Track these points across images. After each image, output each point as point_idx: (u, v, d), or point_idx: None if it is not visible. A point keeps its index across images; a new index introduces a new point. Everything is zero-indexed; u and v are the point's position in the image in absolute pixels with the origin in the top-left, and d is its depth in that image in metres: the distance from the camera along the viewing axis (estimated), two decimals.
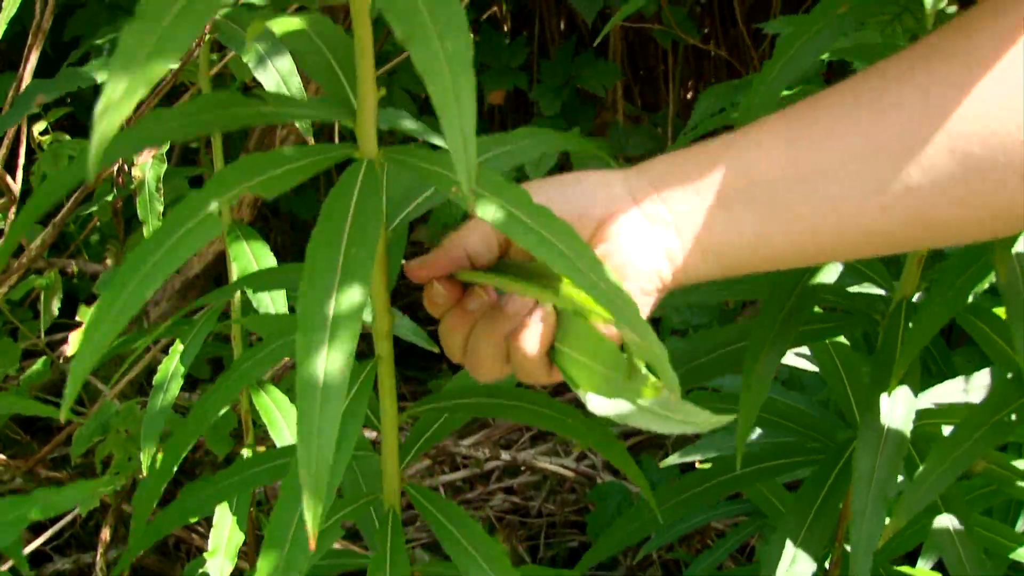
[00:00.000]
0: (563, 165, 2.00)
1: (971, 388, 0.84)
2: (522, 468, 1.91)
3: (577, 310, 0.56)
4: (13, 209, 1.30)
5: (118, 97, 0.40)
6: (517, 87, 2.07)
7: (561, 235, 0.50)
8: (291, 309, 1.11)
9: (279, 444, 1.18)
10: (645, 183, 0.58)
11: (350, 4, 0.54)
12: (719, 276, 0.58)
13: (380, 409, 0.66)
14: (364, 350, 0.56)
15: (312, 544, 0.47)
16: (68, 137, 1.57)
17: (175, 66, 0.43)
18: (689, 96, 2.26)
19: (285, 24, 0.65)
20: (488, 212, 0.51)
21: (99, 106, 0.40)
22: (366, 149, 0.57)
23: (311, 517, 0.46)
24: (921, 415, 0.84)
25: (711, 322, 1.77)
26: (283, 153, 0.56)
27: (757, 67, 2.03)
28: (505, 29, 2.26)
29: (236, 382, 0.73)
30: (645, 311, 0.58)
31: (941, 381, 0.92)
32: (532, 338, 0.58)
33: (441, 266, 0.60)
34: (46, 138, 1.52)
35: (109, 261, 2.06)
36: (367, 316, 0.63)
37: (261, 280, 0.85)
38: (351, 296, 0.49)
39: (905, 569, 0.90)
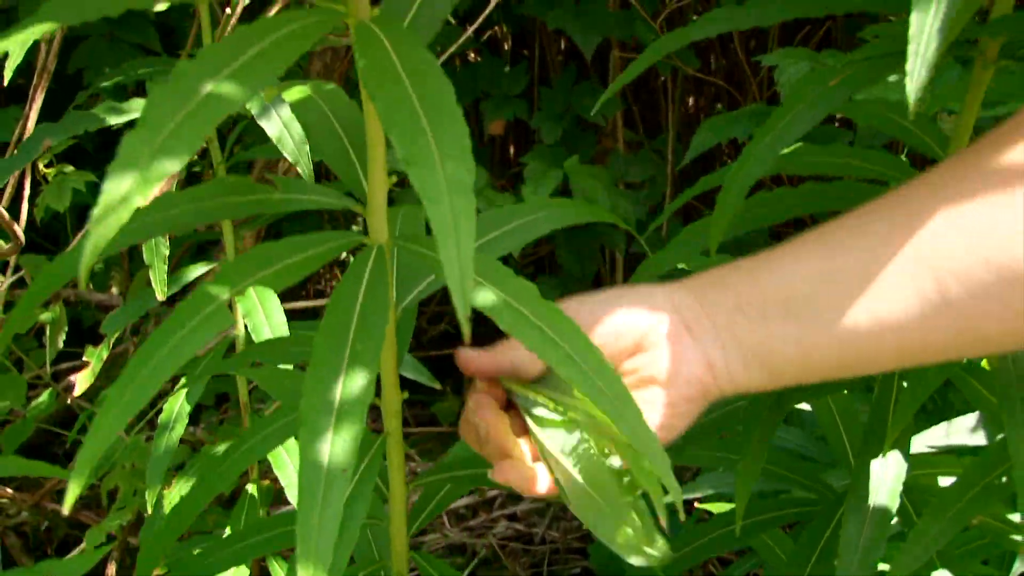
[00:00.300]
0: (563, 190, 2.02)
1: (966, 429, 0.85)
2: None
3: (598, 439, 0.58)
4: (14, 258, 1.31)
5: (117, 200, 0.41)
6: (517, 115, 2.09)
7: (566, 332, 0.51)
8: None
9: (283, 482, 1.19)
10: (687, 296, 0.59)
11: (362, 99, 0.55)
12: (769, 386, 0.59)
13: (389, 481, 0.67)
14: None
15: None
16: (72, 168, 1.58)
17: (178, 168, 0.43)
18: (690, 120, 2.27)
19: (297, 93, 0.67)
20: (488, 302, 0.52)
21: (97, 208, 0.41)
22: (376, 236, 0.58)
23: None
24: (917, 464, 0.86)
25: None
26: (294, 242, 0.57)
27: (756, 95, 2.05)
28: (506, 47, 2.27)
29: (244, 456, 0.74)
30: (687, 419, 0.59)
31: (938, 421, 0.93)
32: (542, 482, 0.59)
33: (486, 370, 0.61)
34: (51, 170, 1.53)
35: (114, 290, 2.08)
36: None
37: (270, 351, 0.86)
38: (356, 386, 0.50)
39: None
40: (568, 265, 2.10)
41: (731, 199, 0.68)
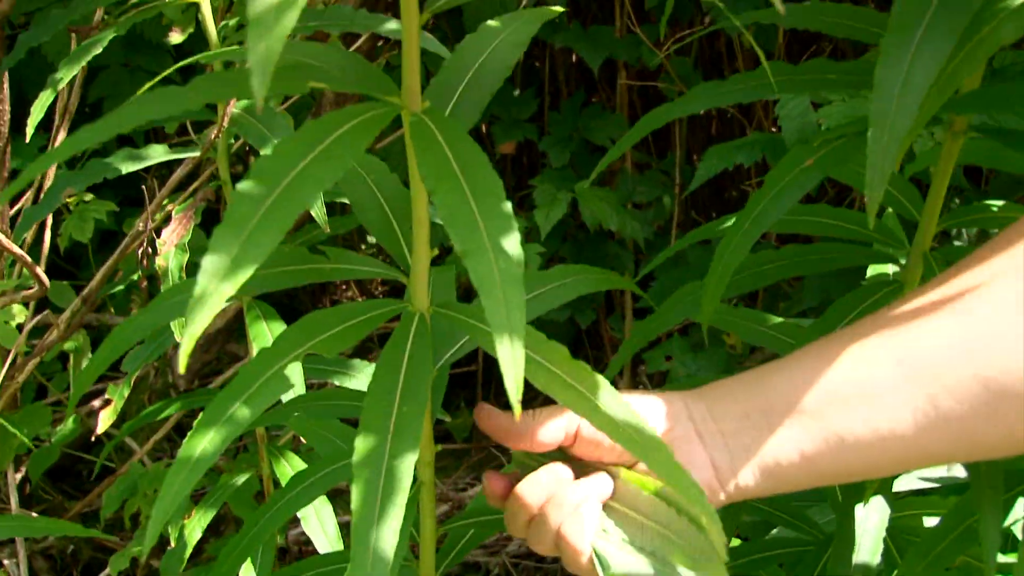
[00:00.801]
0: (572, 213, 2.06)
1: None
2: None
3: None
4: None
5: (211, 292, 0.46)
6: (527, 137, 2.12)
7: (596, 388, 0.55)
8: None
9: (310, 534, 1.24)
10: (700, 404, 0.62)
11: (410, 180, 0.59)
12: (772, 490, 0.61)
13: (421, 526, 0.71)
14: None
15: None
16: (92, 196, 1.63)
17: (261, 261, 0.48)
18: (698, 141, 2.30)
19: (349, 183, 0.70)
20: (534, 376, 0.56)
21: (193, 299, 0.45)
22: (418, 303, 0.63)
23: None
24: (902, 506, 0.89)
25: (718, 373, 1.82)
26: (341, 311, 0.62)
27: (763, 118, 2.08)
28: (516, 72, 2.31)
29: (280, 513, 0.78)
30: None
31: None
32: (578, 530, 0.61)
33: (504, 434, 0.64)
34: (72, 199, 1.58)
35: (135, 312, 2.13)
36: None
37: (311, 405, 0.90)
38: (404, 455, 0.54)
39: None
40: None
41: (717, 282, 0.72)
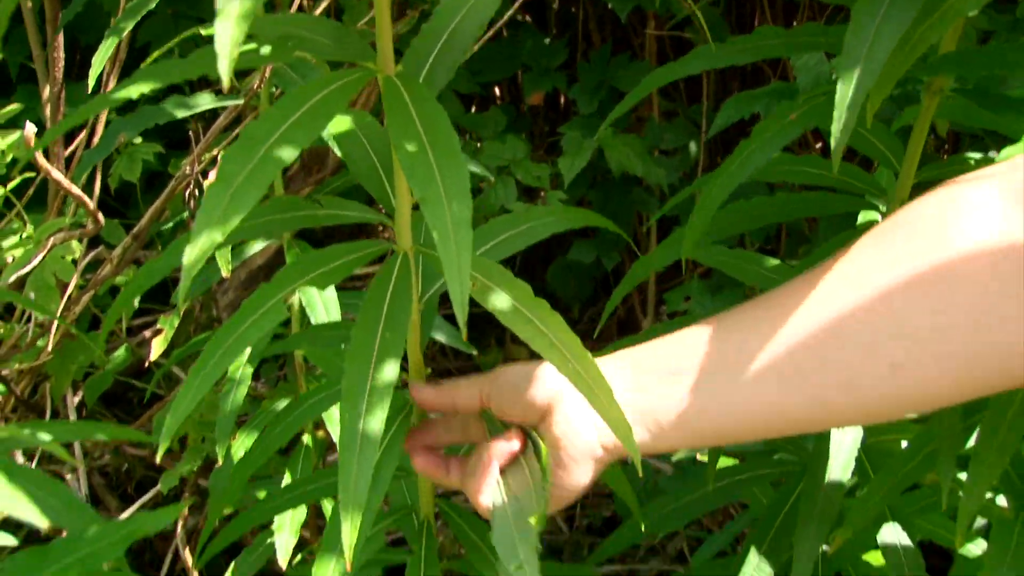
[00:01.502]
0: (599, 160, 2.12)
1: None
2: None
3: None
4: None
5: (205, 238, 0.55)
6: (556, 87, 2.19)
7: (552, 325, 0.64)
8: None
9: (333, 435, 1.34)
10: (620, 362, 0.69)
11: (390, 134, 0.68)
12: (654, 448, 0.67)
13: None
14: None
15: (348, 566, 0.62)
16: (141, 140, 1.73)
17: (247, 211, 0.57)
18: (727, 90, 2.35)
19: (340, 124, 0.79)
20: (497, 303, 0.65)
21: (190, 244, 0.55)
22: (402, 243, 0.71)
23: (348, 543, 0.61)
24: (877, 431, 0.98)
25: None
26: (336, 250, 0.71)
27: (788, 69, 2.12)
28: (549, 18, 2.37)
29: (298, 419, 0.88)
30: (583, 477, 0.69)
31: None
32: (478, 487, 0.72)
33: (432, 404, 0.75)
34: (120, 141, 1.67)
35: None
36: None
37: (321, 334, 1.00)
38: (386, 371, 0.64)
39: (868, 557, 1.04)
40: (604, 229, 2.22)
41: (700, 218, 0.80)
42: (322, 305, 1.20)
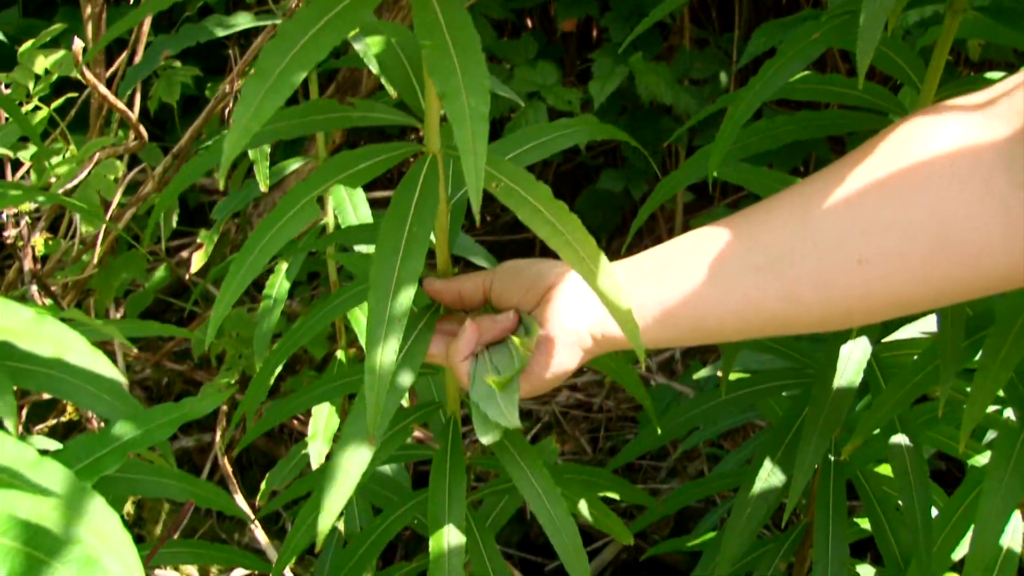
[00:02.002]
0: (630, 88, 2.14)
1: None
2: (585, 368, 2.11)
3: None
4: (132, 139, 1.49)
5: (242, 127, 0.59)
6: (589, 14, 2.20)
7: (572, 228, 0.67)
8: None
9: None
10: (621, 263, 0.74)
11: (416, 32, 0.71)
12: (643, 339, 0.70)
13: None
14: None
15: (371, 439, 0.67)
16: (179, 64, 1.76)
17: (282, 103, 0.62)
18: (760, 18, 2.34)
19: (376, 36, 0.83)
20: (517, 203, 0.69)
21: (229, 132, 0.59)
22: (431, 145, 0.75)
23: (372, 415, 0.65)
24: (892, 347, 1.01)
25: None
26: (367, 150, 0.75)
27: None
28: None
29: (332, 311, 0.92)
30: (570, 362, 0.74)
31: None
32: (456, 349, 0.77)
33: (439, 294, 0.79)
34: (159, 64, 1.71)
35: (215, 173, 2.28)
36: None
37: (353, 234, 1.04)
38: (412, 261, 0.68)
39: (878, 469, 1.08)
40: (633, 159, 2.24)
41: (726, 135, 0.82)
42: (351, 207, 1.24)
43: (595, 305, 0.72)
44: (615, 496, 1.00)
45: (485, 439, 0.77)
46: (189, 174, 0.97)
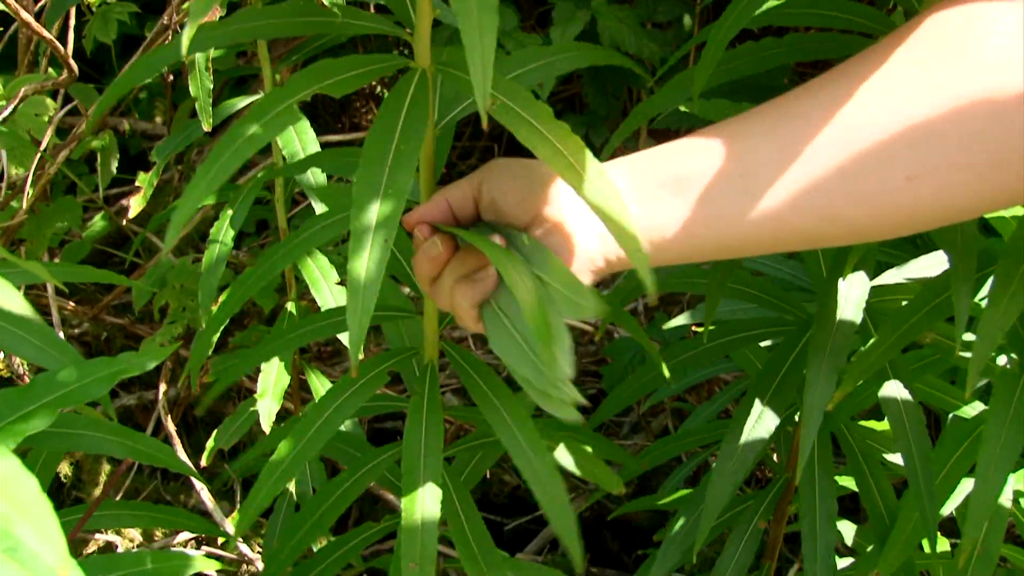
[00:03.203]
0: (590, 31, 2.06)
1: (928, 266, 0.95)
2: None
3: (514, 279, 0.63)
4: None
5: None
6: None
7: (572, 148, 0.60)
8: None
9: (319, 301, 1.31)
10: (624, 167, 0.65)
11: None
12: (658, 258, 0.64)
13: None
14: None
15: (354, 372, 0.59)
16: (115, 0, 1.65)
17: None
18: None
19: None
20: (516, 122, 0.61)
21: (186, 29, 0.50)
22: (420, 60, 0.67)
23: (354, 345, 0.58)
24: (880, 291, 0.95)
25: None
26: (349, 61, 0.67)
27: None
28: None
29: (283, 258, 0.84)
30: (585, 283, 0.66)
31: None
32: (468, 293, 0.67)
33: (429, 215, 0.68)
34: (94, 0, 1.60)
35: (158, 119, 2.18)
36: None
37: (319, 161, 0.96)
38: (399, 180, 0.60)
39: (863, 423, 1.03)
40: (594, 104, 2.17)
41: (711, 53, 0.76)
42: (300, 146, 1.16)
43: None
44: (590, 451, 0.93)
45: (554, 411, 0.65)
46: (135, 75, 0.88)
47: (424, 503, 0.73)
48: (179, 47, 0.51)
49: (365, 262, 0.57)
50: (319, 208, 1.19)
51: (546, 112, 0.61)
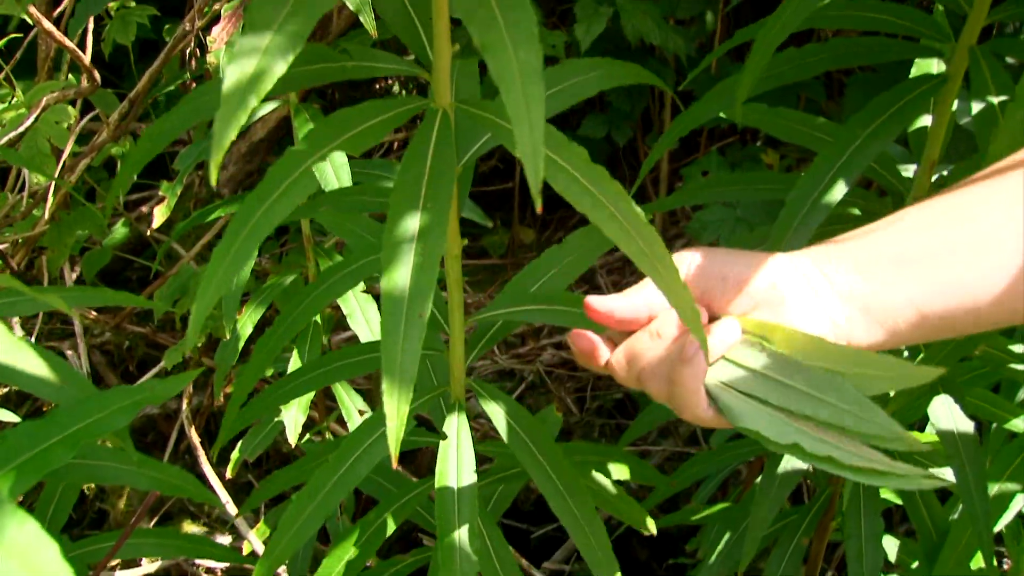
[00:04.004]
0: (614, 27, 2.03)
1: None
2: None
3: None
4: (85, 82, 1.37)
5: (238, 93, 0.47)
6: None
7: (615, 198, 0.55)
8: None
9: (344, 311, 1.28)
10: (807, 262, 0.62)
11: None
12: (888, 344, 0.60)
13: (450, 319, 0.74)
14: None
15: (394, 462, 0.55)
16: (134, 3, 1.63)
17: (284, 69, 0.49)
18: None
19: None
20: (554, 178, 0.56)
21: (222, 104, 0.47)
22: (440, 99, 0.63)
23: (393, 429, 0.53)
24: None
25: None
26: (369, 108, 0.62)
27: None
28: None
29: (319, 298, 0.81)
30: None
31: None
32: (691, 376, 0.60)
33: (622, 313, 0.63)
34: (113, 4, 1.58)
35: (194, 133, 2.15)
36: None
37: (340, 200, 0.92)
38: (429, 232, 0.56)
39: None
40: (617, 102, 2.13)
41: (758, 58, 0.72)
42: (332, 171, 1.13)
43: (835, 306, 0.60)
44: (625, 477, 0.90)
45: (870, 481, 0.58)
46: (147, 148, 0.85)
47: (460, 547, 0.70)
48: (207, 105, 0.48)
49: (400, 345, 0.53)
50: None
51: (583, 157, 0.56)
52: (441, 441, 0.76)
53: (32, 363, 0.72)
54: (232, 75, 0.46)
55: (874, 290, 0.59)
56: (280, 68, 0.48)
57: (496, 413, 0.76)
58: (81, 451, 0.68)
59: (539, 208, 0.46)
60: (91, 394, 0.71)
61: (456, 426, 0.75)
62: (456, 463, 0.73)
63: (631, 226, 0.54)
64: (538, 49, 0.47)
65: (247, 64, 0.48)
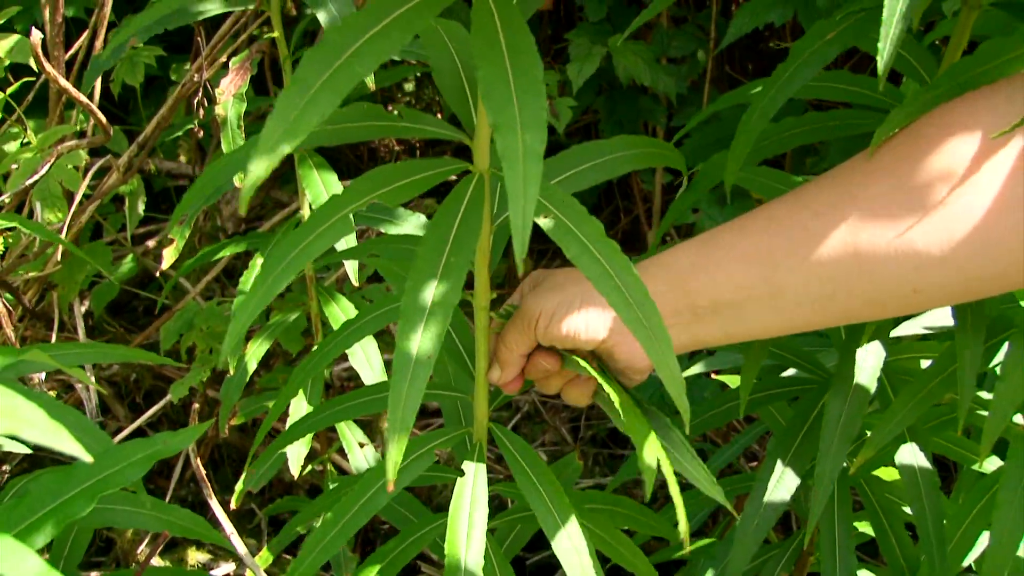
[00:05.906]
0: (607, 68, 2.09)
1: (945, 315, 0.97)
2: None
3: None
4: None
5: (271, 146, 0.52)
6: None
7: (620, 269, 0.64)
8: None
9: (359, 371, 1.34)
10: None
11: (473, 52, 0.64)
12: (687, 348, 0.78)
13: (476, 366, 0.81)
14: None
15: (391, 486, 0.62)
16: (142, 44, 1.69)
17: (321, 120, 0.54)
18: None
19: (430, 44, 0.74)
20: (567, 245, 0.64)
21: (255, 151, 0.52)
22: (479, 164, 0.69)
23: (392, 464, 0.61)
24: (901, 349, 0.98)
25: None
26: (406, 166, 0.69)
27: None
28: None
29: (326, 355, 0.86)
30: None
31: None
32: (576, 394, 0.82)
33: (516, 372, 0.81)
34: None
35: (183, 158, 2.21)
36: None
37: (388, 247, 0.97)
38: (445, 294, 0.63)
39: (881, 471, 1.05)
40: (610, 136, 2.19)
41: (743, 142, 0.79)
42: (325, 192, 1.19)
43: None
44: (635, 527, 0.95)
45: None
46: (179, 214, 0.90)
47: None
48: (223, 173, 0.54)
49: (406, 390, 0.60)
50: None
51: (597, 229, 0.64)
52: (459, 478, 0.81)
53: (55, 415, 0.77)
54: (267, 128, 0.52)
55: (690, 330, 0.75)
56: (308, 128, 0.52)
57: (512, 458, 0.82)
58: None
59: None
60: (108, 447, 0.76)
61: (475, 467, 0.81)
62: (470, 499, 0.79)
63: (632, 299, 0.63)
64: (543, 134, 0.53)
65: (286, 117, 0.52)
